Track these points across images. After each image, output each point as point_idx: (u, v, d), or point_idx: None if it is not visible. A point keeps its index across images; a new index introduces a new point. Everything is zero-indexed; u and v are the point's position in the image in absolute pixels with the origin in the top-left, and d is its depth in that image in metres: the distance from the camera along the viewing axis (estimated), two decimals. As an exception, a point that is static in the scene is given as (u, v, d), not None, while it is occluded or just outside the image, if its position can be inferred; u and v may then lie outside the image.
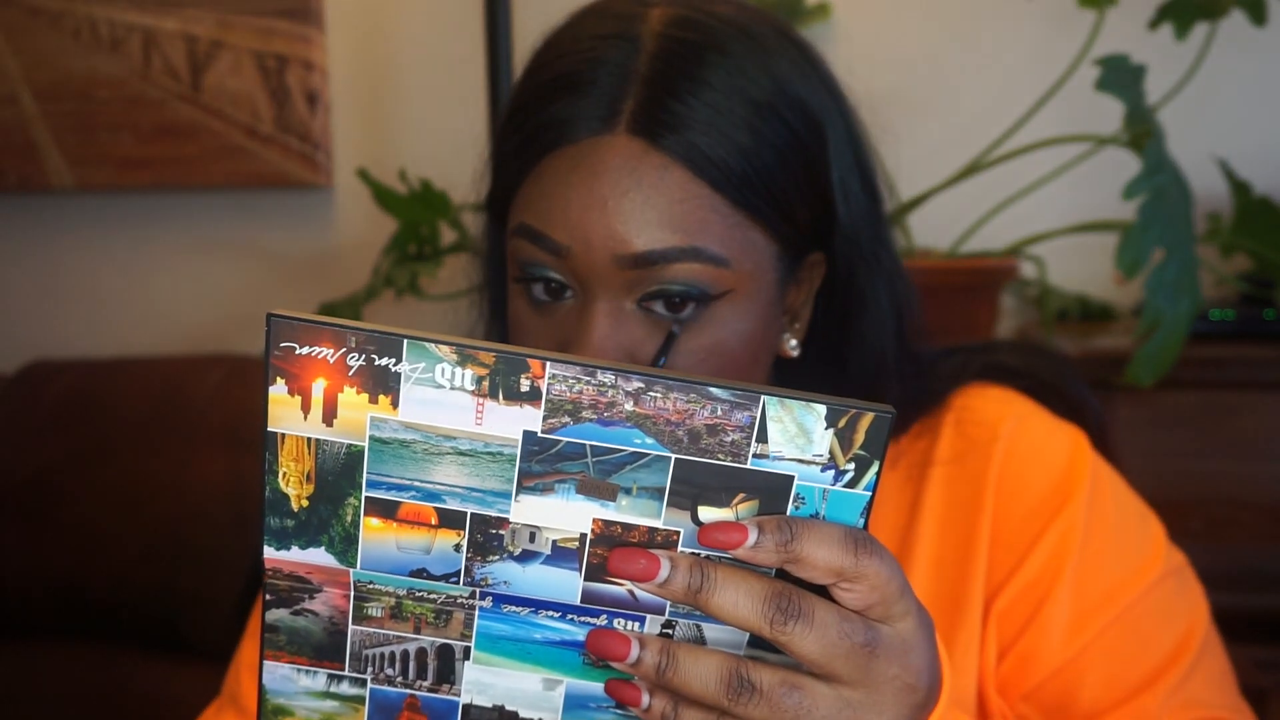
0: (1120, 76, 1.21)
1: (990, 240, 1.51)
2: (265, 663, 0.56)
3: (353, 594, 0.54)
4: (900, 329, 0.78)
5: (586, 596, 0.54)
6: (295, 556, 0.53)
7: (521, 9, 1.51)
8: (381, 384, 0.50)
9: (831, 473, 0.51)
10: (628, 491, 0.52)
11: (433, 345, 0.49)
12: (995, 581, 0.75)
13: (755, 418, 0.50)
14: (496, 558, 0.53)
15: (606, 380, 0.50)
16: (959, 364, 0.83)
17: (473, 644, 0.56)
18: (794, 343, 0.75)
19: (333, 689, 0.57)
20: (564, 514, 0.52)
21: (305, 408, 0.50)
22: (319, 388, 0.50)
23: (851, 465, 0.51)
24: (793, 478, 0.51)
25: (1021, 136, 1.42)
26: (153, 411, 1.52)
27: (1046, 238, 1.46)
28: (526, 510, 0.52)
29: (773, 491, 0.51)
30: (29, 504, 1.52)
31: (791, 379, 0.76)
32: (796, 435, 0.50)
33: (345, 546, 0.53)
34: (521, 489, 0.51)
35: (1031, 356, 0.87)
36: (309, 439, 0.51)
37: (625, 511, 0.52)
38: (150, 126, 1.84)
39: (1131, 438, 1.33)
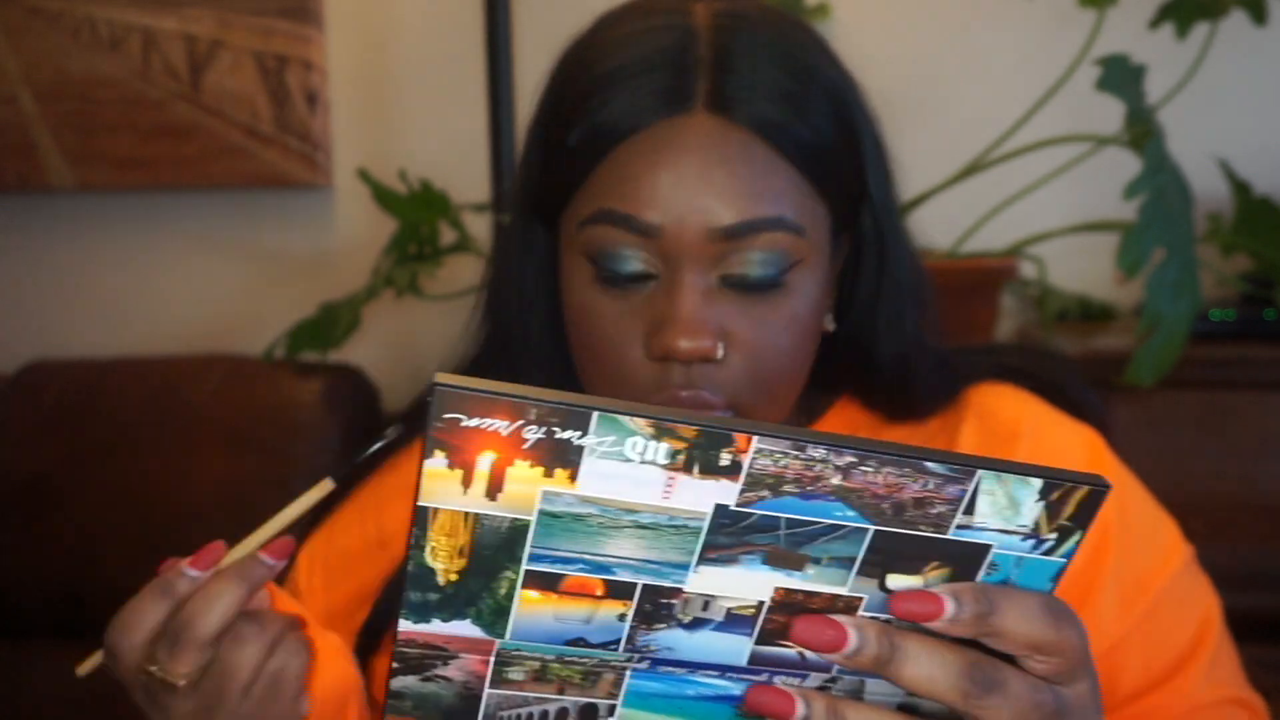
0: (1120, 76, 1.21)
1: (990, 240, 1.50)
2: None
3: (494, 660, 0.51)
4: (922, 314, 0.80)
5: (754, 659, 0.52)
6: (435, 629, 0.50)
7: (521, 9, 1.51)
8: (561, 457, 0.46)
9: (1032, 541, 0.50)
10: (817, 561, 0.50)
11: (627, 418, 0.46)
12: None
13: (968, 491, 0.48)
14: (664, 626, 0.51)
15: (816, 455, 0.47)
16: (969, 363, 0.85)
17: (620, 702, 0.53)
18: (830, 317, 0.77)
19: None
20: (745, 583, 0.50)
21: (466, 482, 0.46)
22: (486, 461, 0.46)
23: (1054, 535, 0.50)
24: (990, 546, 0.50)
25: (1021, 136, 1.42)
26: (153, 411, 1.52)
27: (1046, 238, 1.46)
28: (705, 581, 0.49)
29: (967, 558, 0.50)
30: (29, 504, 1.52)
31: (822, 358, 0.77)
32: (1005, 507, 0.49)
33: (495, 619, 0.50)
34: (703, 560, 0.49)
35: (1035, 358, 0.89)
36: (467, 513, 0.47)
37: (812, 580, 0.50)
38: (150, 126, 1.83)
39: (1132, 438, 1.33)
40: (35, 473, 1.52)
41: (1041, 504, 0.49)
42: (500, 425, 0.45)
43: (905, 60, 1.65)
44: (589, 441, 0.46)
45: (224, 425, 1.48)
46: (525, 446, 0.45)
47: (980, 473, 0.48)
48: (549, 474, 0.46)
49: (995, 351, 0.90)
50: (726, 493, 0.47)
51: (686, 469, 0.47)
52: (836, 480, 0.48)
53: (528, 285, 0.77)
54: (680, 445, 0.46)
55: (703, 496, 0.47)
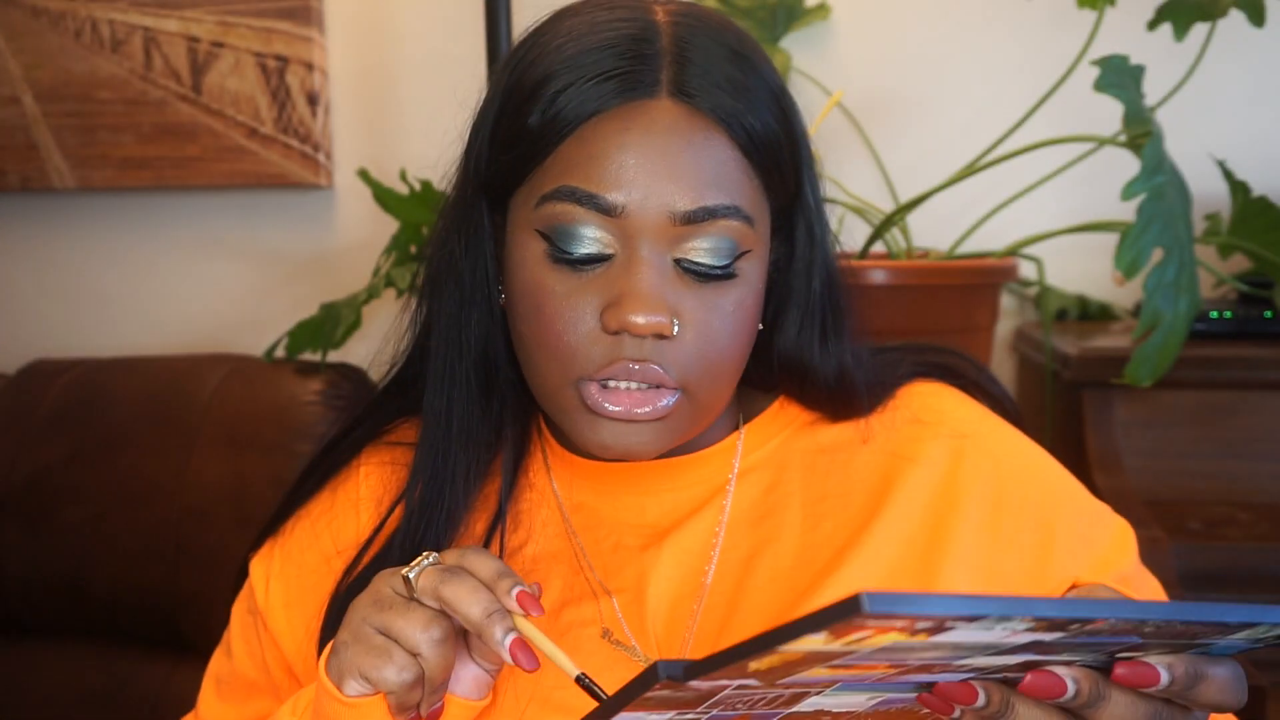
0: (1119, 77, 1.21)
1: (989, 240, 1.51)
2: None
3: None
4: (848, 317, 0.82)
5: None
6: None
7: (521, 9, 1.52)
8: (934, 630, 0.46)
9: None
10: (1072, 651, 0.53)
11: (1021, 614, 0.46)
12: (995, 565, 0.78)
13: (1253, 634, 0.53)
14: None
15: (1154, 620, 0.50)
16: (894, 361, 0.87)
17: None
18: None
19: None
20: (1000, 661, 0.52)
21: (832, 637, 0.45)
22: (862, 635, 0.44)
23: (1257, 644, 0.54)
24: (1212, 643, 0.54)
25: (1021, 137, 1.42)
26: (153, 411, 1.52)
27: (1046, 238, 1.46)
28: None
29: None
30: (29, 504, 1.52)
31: (757, 361, 0.79)
32: (1264, 633, 0.53)
33: None
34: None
35: (952, 357, 0.91)
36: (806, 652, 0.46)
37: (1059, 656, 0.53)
38: (151, 127, 1.84)
39: (1131, 438, 1.33)
40: (35, 472, 1.52)
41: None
42: (899, 624, 0.44)
43: (905, 60, 1.66)
44: (971, 626, 0.46)
45: (224, 425, 1.48)
46: (914, 629, 0.45)
47: (1260, 626, 0.51)
48: (914, 635, 0.46)
49: (920, 350, 0.93)
50: (1052, 635, 0.49)
51: (1037, 630, 0.48)
52: (1150, 629, 0.51)
53: (469, 267, 0.78)
54: (1045, 625, 0.47)
55: (1030, 638, 0.49)
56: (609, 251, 0.71)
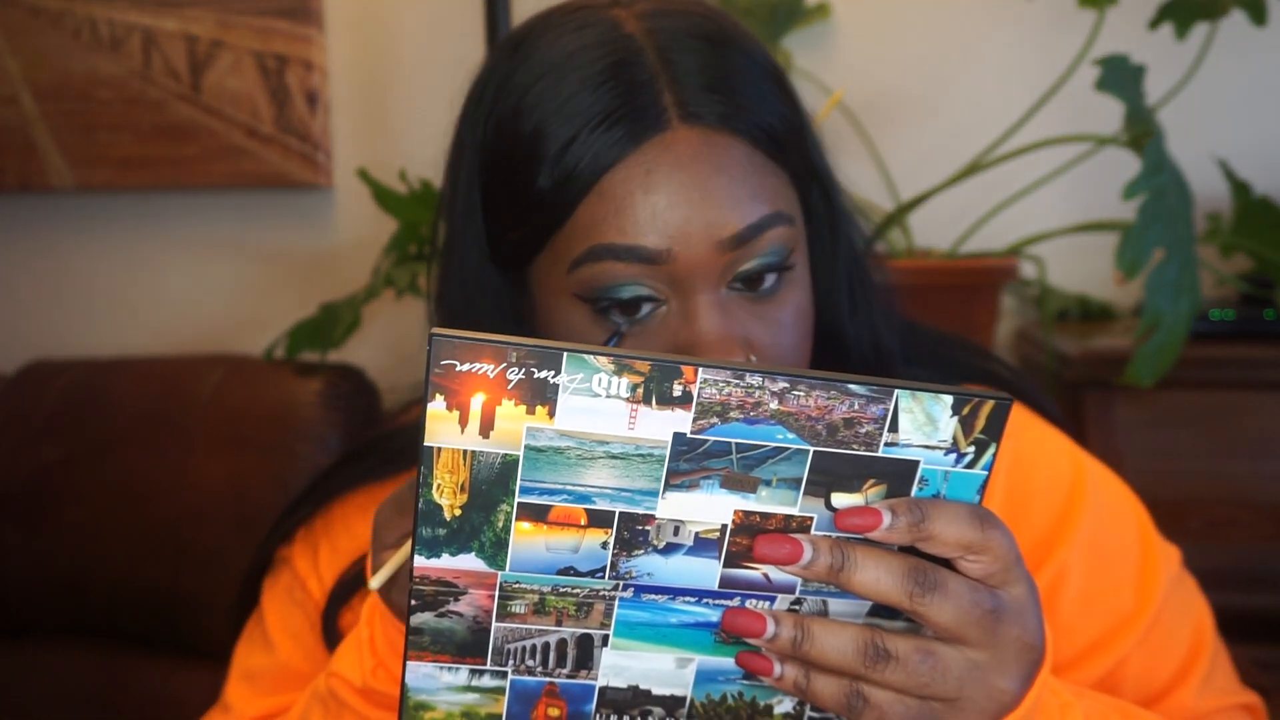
0: (1120, 76, 1.21)
1: (990, 240, 1.51)
2: (408, 663, 0.58)
3: (498, 594, 0.57)
4: (880, 291, 0.80)
5: (723, 582, 0.57)
6: (445, 563, 0.55)
7: (521, 9, 1.51)
8: (539, 395, 0.52)
9: (953, 456, 0.55)
10: (767, 483, 0.55)
11: (591, 357, 0.52)
12: None
13: (889, 410, 0.54)
14: (641, 552, 0.56)
15: (754, 382, 0.53)
16: (964, 359, 0.86)
17: (611, 631, 0.59)
18: None
19: (474, 683, 0.59)
20: (707, 507, 0.55)
21: (463, 422, 0.52)
22: (477, 402, 0.52)
23: (972, 448, 0.55)
24: (918, 462, 0.55)
25: (1021, 137, 1.42)
26: (152, 411, 1.52)
27: (1046, 238, 1.46)
28: (672, 506, 0.55)
29: (899, 476, 0.55)
30: (29, 504, 1.52)
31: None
32: (924, 424, 0.54)
33: (495, 551, 0.55)
34: (668, 487, 0.55)
35: (991, 361, 0.90)
36: (465, 451, 0.53)
37: (764, 502, 0.55)
38: (150, 126, 1.84)
39: (1131, 438, 1.33)
40: (35, 472, 1.52)
41: (955, 419, 0.54)
42: (487, 368, 0.51)
43: (905, 60, 1.65)
44: (561, 379, 0.52)
45: (224, 425, 1.48)
46: (509, 387, 0.51)
47: (897, 392, 0.53)
48: (531, 411, 0.52)
49: (957, 344, 0.90)
50: (681, 421, 0.53)
51: (645, 401, 0.52)
52: (774, 405, 0.53)
53: (486, 323, 0.74)
54: (637, 379, 0.52)
55: (662, 426, 0.53)
56: (661, 299, 0.67)
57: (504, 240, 0.71)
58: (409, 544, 0.62)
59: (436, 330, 0.51)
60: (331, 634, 0.79)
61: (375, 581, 0.63)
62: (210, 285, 1.88)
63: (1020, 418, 0.82)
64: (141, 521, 1.47)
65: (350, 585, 0.79)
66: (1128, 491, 0.83)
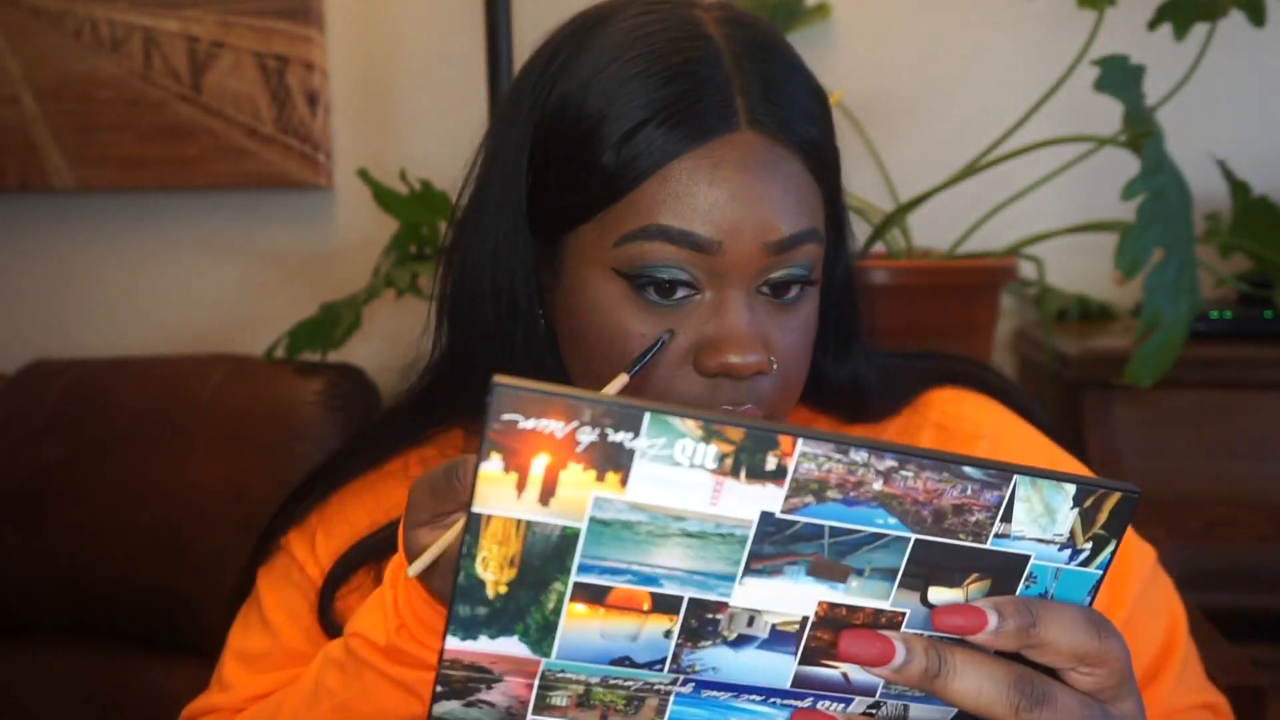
0: (1119, 77, 1.21)
1: (990, 240, 1.51)
2: None
3: (538, 683, 0.50)
4: (866, 321, 0.82)
5: (797, 680, 0.51)
6: (481, 647, 0.49)
7: (521, 9, 1.52)
8: (612, 460, 0.46)
9: (1068, 551, 0.50)
10: (859, 573, 0.49)
11: (678, 420, 0.45)
12: None
13: (1004, 497, 0.49)
14: (709, 643, 0.50)
15: (859, 459, 0.47)
16: (914, 367, 0.86)
17: None
18: None
19: None
20: (789, 597, 0.49)
21: (521, 486, 0.46)
22: (540, 464, 0.45)
23: (1089, 544, 0.50)
24: (1029, 557, 0.50)
25: (1021, 137, 1.42)
26: (152, 411, 1.52)
27: (1046, 238, 1.46)
28: (749, 594, 0.49)
29: (1006, 571, 0.50)
30: (29, 504, 1.52)
31: None
32: (1041, 515, 0.49)
33: (542, 635, 0.49)
34: (748, 571, 0.48)
35: (976, 367, 0.90)
36: (519, 520, 0.46)
37: (854, 594, 0.49)
38: (151, 127, 1.84)
39: (1130, 437, 1.33)
40: (35, 472, 1.52)
41: (1076, 511, 0.49)
42: (555, 426, 0.45)
43: (905, 60, 1.65)
44: (640, 444, 0.45)
45: (224, 425, 1.48)
46: (579, 449, 0.45)
47: (1016, 478, 0.48)
48: (601, 478, 0.46)
49: (947, 358, 0.91)
50: (772, 499, 0.47)
51: (733, 473, 0.46)
52: (878, 485, 0.47)
53: (514, 295, 0.75)
54: (727, 449, 0.46)
55: (749, 502, 0.47)
56: (698, 289, 0.69)
57: (549, 206, 0.72)
58: (450, 532, 0.57)
59: (500, 379, 0.44)
60: (328, 613, 0.79)
61: (413, 569, 0.58)
62: (210, 285, 1.88)
63: (997, 415, 0.83)
64: (141, 521, 1.47)
65: (348, 567, 0.80)
66: None
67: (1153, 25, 1.38)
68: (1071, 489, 0.49)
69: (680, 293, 0.69)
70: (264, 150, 1.80)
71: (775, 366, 0.69)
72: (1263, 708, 0.99)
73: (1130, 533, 0.82)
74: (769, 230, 0.68)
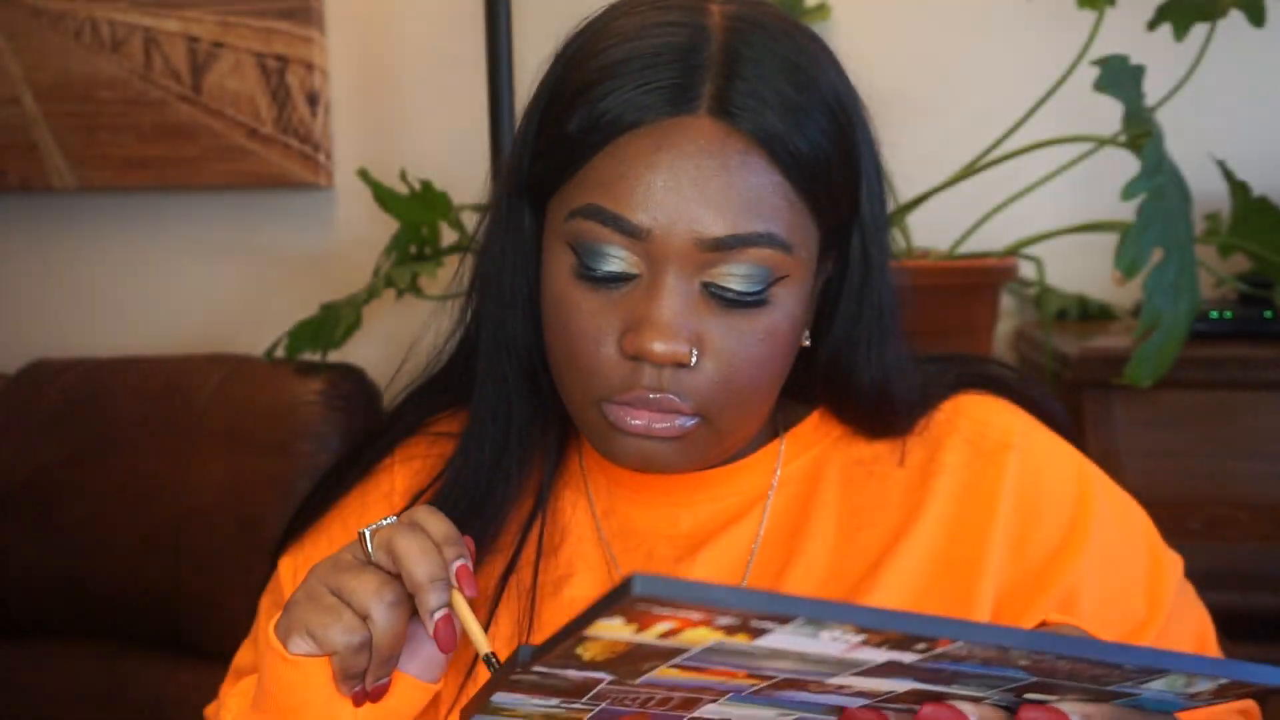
0: (1119, 77, 1.21)
1: (989, 240, 1.51)
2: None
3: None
4: (899, 336, 0.80)
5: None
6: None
7: (521, 9, 1.52)
8: (749, 630, 0.43)
9: (1184, 698, 0.50)
10: (965, 683, 0.49)
11: (834, 622, 0.43)
12: (1011, 582, 0.76)
13: (1154, 679, 0.48)
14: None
15: (1016, 654, 0.45)
16: (949, 372, 0.85)
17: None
18: (806, 333, 0.77)
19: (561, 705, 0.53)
20: (888, 686, 0.49)
21: (641, 628, 0.44)
22: (667, 626, 0.43)
23: (1208, 699, 0.50)
24: (1139, 694, 0.50)
25: (1021, 137, 1.42)
26: (153, 411, 1.52)
27: (1046, 238, 1.46)
28: (846, 681, 0.49)
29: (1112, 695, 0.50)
30: (29, 504, 1.52)
31: (798, 373, 0.77)
32: (1183, 687, 0.49)
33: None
34: (849, 669, 0.48)
35: (1002, 369, 0.89)
36: (626, 641, 0.45)
37: (953, 689, 0.50)
38: (151, 127, 1.84)
39: (1130, 438, 1.33)
40: (35, 472, 1.52)
41: (1214, 686, 0.49)
42: (694, 615, 0.43)
43: (905, 60, 1.65)
44: (786, 629, 0.44)
45: (224, 425, 1.48)
46: (714, 624, 0.43)
47: (1173, 672, 0.47)
48: (730, 635, 0.44)
49: (977, 361, 0.90)
50: (908, 656, 0.46)
51: (876, 646, 0.45)
52: (1024, 662, 0.47)
53: (509, 268, 0.76)
54: (879, 639, 0.44)
55: (883, 657, 0.46)
56: (634, 272, 0.69)
57: (533, 169, 0.74)
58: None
59: (640, 574, 0.41)
60: None
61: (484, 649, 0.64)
62: (210, 285, 1.88)
63: (1026, 424, 0.82)
64: (141, 521, 1.47)
65: None
66: (1131, 499, 0.83)
67: (1153, 25, 1.38)
68: (1213, 685, 0.48)
69: (615, 270, 0.69)
70: (264, 150, 1.80)
71: (695, 361, 0.68)
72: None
73: (1160, 541, 0.81)
74: (702, 226, 0.67)
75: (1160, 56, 1.36)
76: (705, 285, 0.69)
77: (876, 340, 0.77)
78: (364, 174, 1.56)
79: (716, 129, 0.67)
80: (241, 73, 1.80)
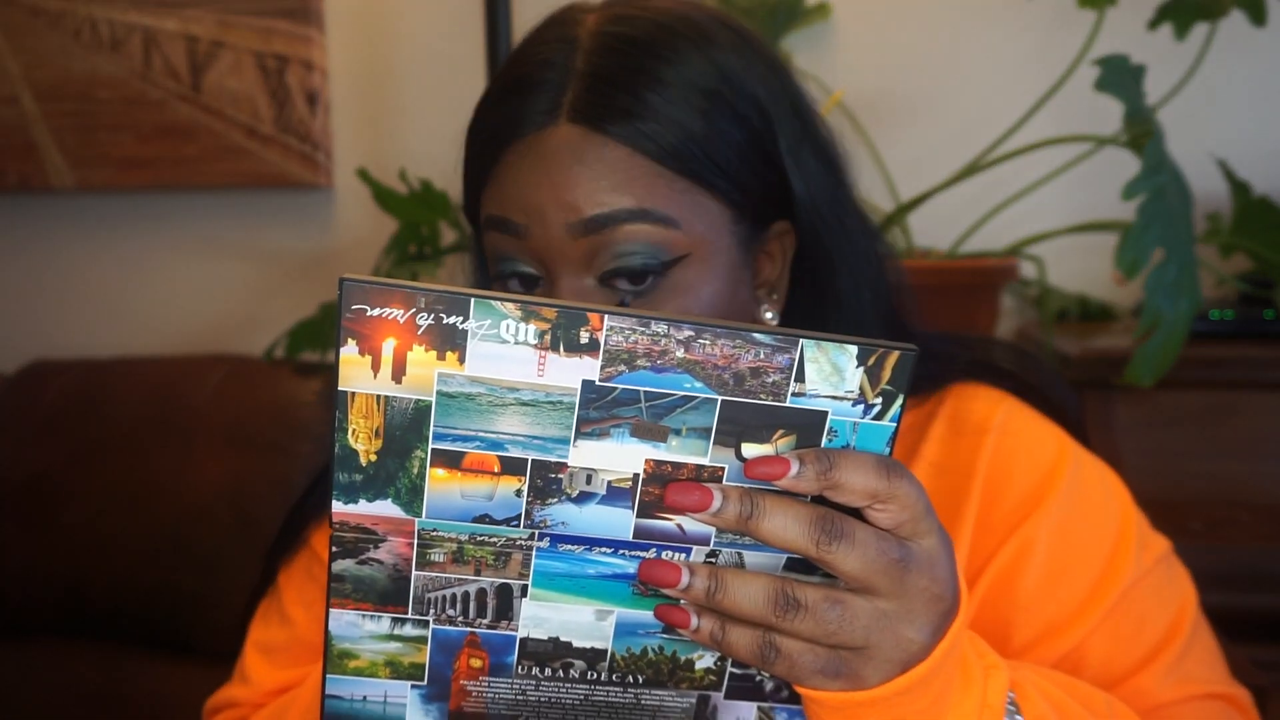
0: (1120, 76, 1.21)
1: (990, 240, 1.51)
2: (331, 611, 0.59)
3: (416, 541, 0.58)
4: (881, 297, 0.81)
5: (638, 532, 0.58)
6: (362, 509, 0.56)
7: (521, 9, 1.52)
8: (449, 341, 0.53)
9: (861, 407, 0.56)
10: (677, 432, 0.56)
11: (498, 303, 0.52)
12: (974, 567, 0.78)
13: (794, 359, 0.55)
14: (555, 500, 0.57)
15: (660, 330, 0.54)
16: (954, 355, 0.85)
17: (530, 582, 0.59)
18: (770, 314, 0.78)
19: (396, 631, 0.60)
20: (618, 456, 0.56)
21: (375, 367, 0.53)
22: (389, 347, 0.53)
23: (879, 400, 0.56)
24: (826, 413, 0.56)
25: (1021, 137, 1.42)
26: (153, 411, 1.52)
27: (1046, 238, 1.46)
28: (584, 454, 0.56)
29: (809, 426, 0.56)
30: (29, 504, 1.52)
31: None
32: (831, 374, 0.55)
33: (411, 497, 0.56)
34: (579, 434, 0.55)
35: (1021, 359, 0.89)
36: (378, 396, 0.54)
37: (675, 451, 0.56)
38: (150, 126, 1.84)
39: (1131, 438, 1.33)
40: (35, 472, 1.52)
41: (861, 369, 0.55)
42: (397, 313, 0.52)
43: (905, 60, 1.65)
44: (470, 326, 0.53)
45: (224, 425, 1.48)
46: (419, 332, 0.52)
47: (803, 342, 0.54)
48: (441, 356, 0.53)
49: (986, 346, 0.90)
50: (590, 369, 0.54)
51: (553, 348, 0.53)
52: (680, 353, 0.54)
53: (485, 287, 0.80)
54: (544, 326, 0.53)
55: (570, 373, 0.54)
56: (535, 273, 0.73)
57: (465, 196, 0.79)
58: None
59: (347, 275, 0.52)
60: None
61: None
62: (210, 285, 1.88)
63: (1010, 410, 0.82)
64: (141, 521, 1.47)
65: None
66: (1118, 486, 0.83)
67: (1153, 25, 1.38)
68: (854, 349, 0.55)
69: (520, 271, 0.73)
70: (264, 150, 1.80)
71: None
72: (1264, 707, 0.99)
73: (1138, 527, 0.81)
74: (569, 211, 0.70)
75: (1161, 56, 1.36)
76: (600, 277, 0.72)
77: (852, 315, 0.79)
78: (364, 174, 1.56)
79: (575, 132, 0.71)
80: (241, 72, 1.80)
